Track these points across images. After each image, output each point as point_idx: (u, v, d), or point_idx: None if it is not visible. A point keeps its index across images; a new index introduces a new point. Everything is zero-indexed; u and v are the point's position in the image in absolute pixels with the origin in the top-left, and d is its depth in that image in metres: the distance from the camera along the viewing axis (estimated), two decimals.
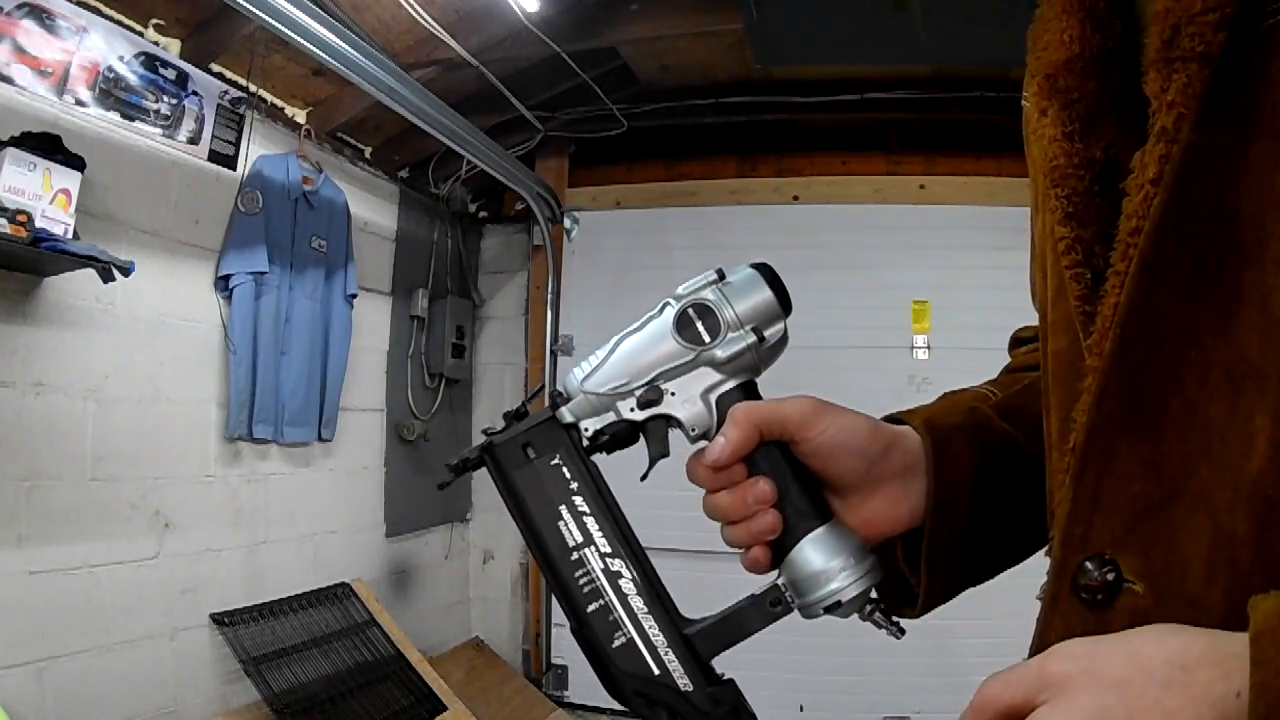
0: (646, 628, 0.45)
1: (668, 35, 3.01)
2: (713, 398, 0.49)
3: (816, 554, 0.46)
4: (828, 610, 0.46)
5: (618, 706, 0.45)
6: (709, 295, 0.50)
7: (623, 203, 3.86)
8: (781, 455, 0.48)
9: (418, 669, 2.92)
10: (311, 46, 2.18)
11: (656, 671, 0.44)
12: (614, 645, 0.45)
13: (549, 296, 3.78)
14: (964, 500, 0.52)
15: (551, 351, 3.77)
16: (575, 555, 0.47)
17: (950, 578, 0.54)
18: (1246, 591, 0.33)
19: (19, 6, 1.97)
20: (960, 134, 3.50)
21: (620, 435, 0.49)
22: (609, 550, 0.47)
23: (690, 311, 0.50)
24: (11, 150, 1.85)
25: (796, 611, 0.47)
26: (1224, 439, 0.36)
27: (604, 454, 0.50)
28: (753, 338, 0.49)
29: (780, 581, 0.47)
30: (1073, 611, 0.41)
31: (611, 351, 0.50)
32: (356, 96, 2.81)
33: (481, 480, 3.33)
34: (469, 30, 2.71)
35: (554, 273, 3.79)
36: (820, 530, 0.47)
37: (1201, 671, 0.31)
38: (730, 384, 0.49)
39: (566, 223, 3.81)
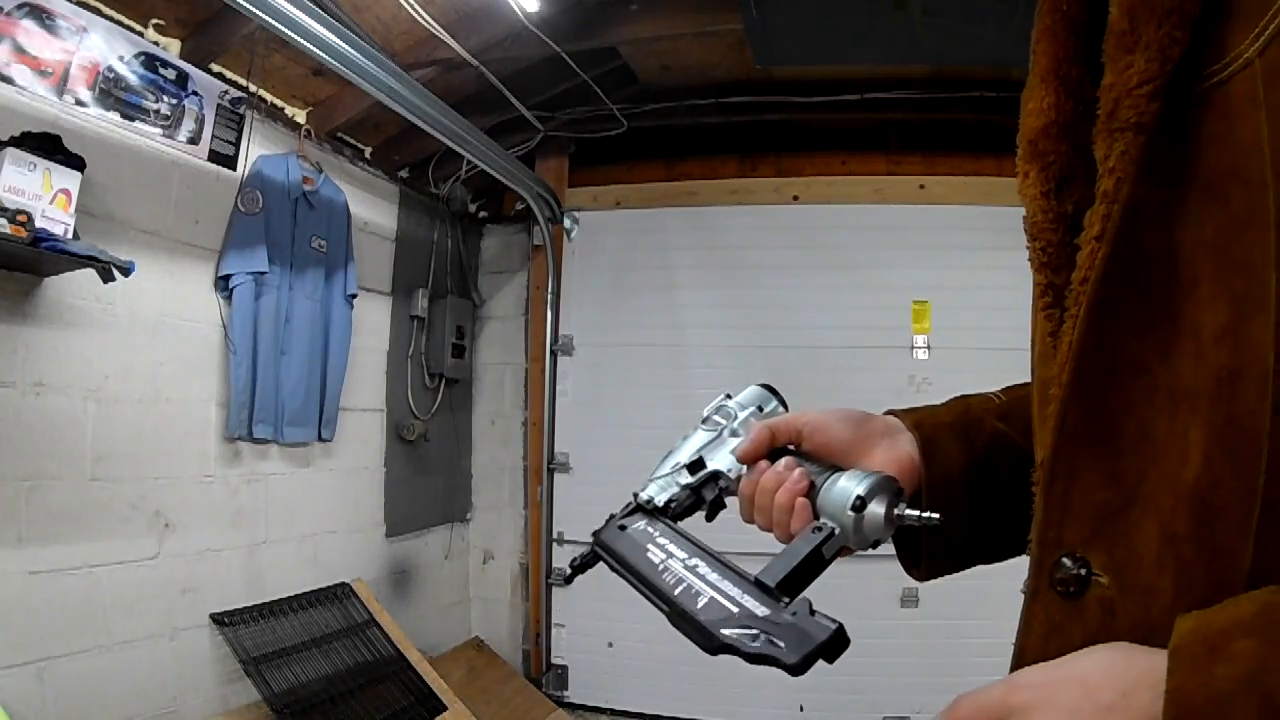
0: (722, 587, 0.54)
1: (668, 35, 3.00)
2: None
3: (835, 485, 0.58)
4: (855, 510, 0.55)
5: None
6: (721, 402, 0.71)
7: (623, 203, 3.85)
8: (794, 452, 0.64)
9: (418, 669, 2.92)
10: (311, 46, 2.18)
11: (735, 610, 0.52)
12: (699, 605, 0.53)
13: (549, 296, 3.78)
14: (957, 485, 0.61)
15: (551, 351, 3.77)
16: (661, 567, 0.58)
17: (953, 548, 0.63)
18: (1189, 580, 0.39)
19: (19, 6, 1.97)
20: (960, 134, 3.50)
21: (685, 501, 0.64)
22: (685, 555, 0.58)
23: (711, 414, 0.70)
24: (11, 150, 1.85)
25: (837, 534, 0.56)
26: (1167, 451, 0.41)
27: (677, 521, 0.65)
28: (753, 409, 0.69)
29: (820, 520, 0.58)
30: (1051, 602, 0.46)
31: (666, 457, 0.67)
32: (356, 96, 2.80)
33: (481, 480, 3.34)
34: (469, 30, 2.71)
35: (554, 273, 3.79)
36: (834, 474, 0.59)
37: (1140, 695, 0.35)
38: None
39: (566, 223, 3.81)
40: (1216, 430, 0.39)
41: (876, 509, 0.56)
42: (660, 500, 0.64)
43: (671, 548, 0.59)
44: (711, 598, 0.53)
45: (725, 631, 0.51)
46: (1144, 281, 0.42)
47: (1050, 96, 0.49)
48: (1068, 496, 0.46)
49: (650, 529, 0.62)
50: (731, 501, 0.67)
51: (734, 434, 0.67)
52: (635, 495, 0.65)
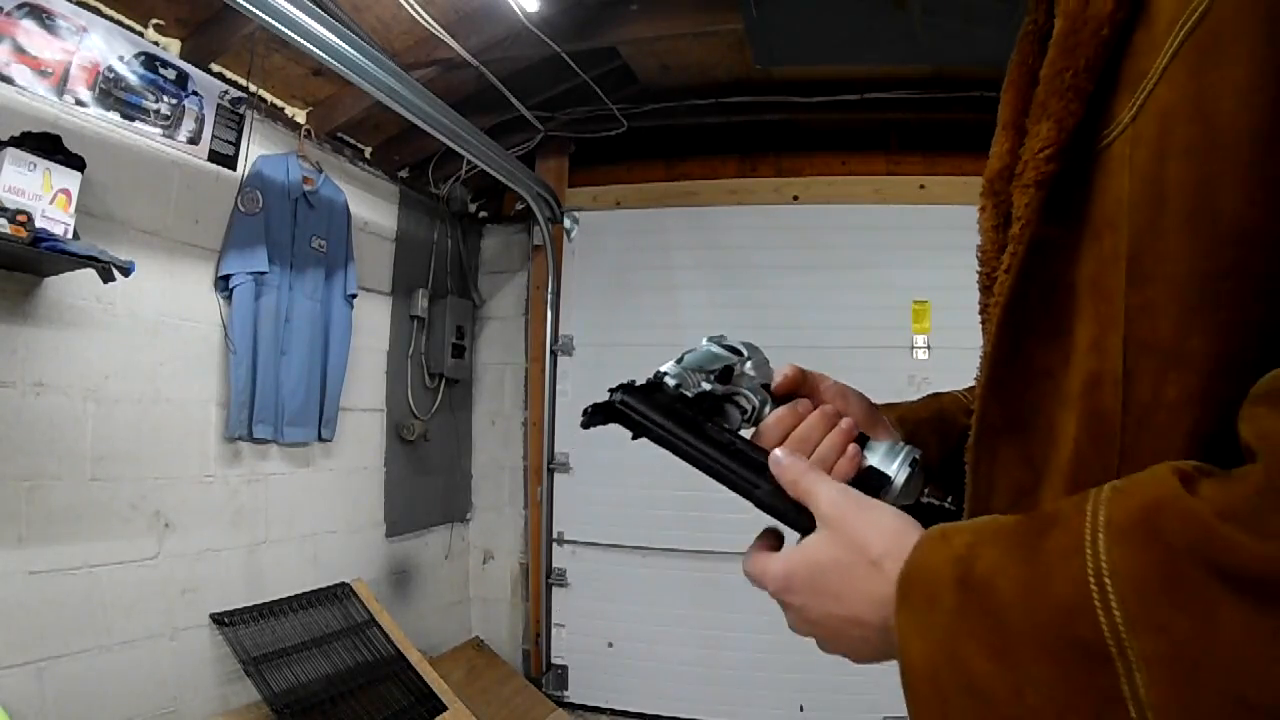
0: None
1: (668, 35, 3.00)
2: (757, 383, 0.65)
3: (883, 443, 0.63)
4: (912, 467, 0.60)
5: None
6: (724, 339, 0.67)
7: (623, 203, 3.85)
8: None
9: (418, 669, 2.92)
10: (311, 46, 2.18)
11: None
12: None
13: (549, 296, 3.78)
14: (934, 475, 0.67)
15: (551, 351, 3.78)
16: (734, 447, 0.58)
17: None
18: None
19: (19, 6, 1.97)
20: (960, 134, 3.49)
21: (704, 405, 0.61)
22: (749, 447, 0.58)
23: (718, 340, 0.67)
24: (11, 150, 1.85)
25: (891, 482, 0.60)
26: (1057, 440, 0.51)
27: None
28: (765, 358, 0.67)
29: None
30: None
31: (685, 354, 0.64)
32: (356, 96, 2.81)
33: (481, 480, 3.33)
34: (469, 30, 2.71)
35: (554, 273, 3.79)
36: (872, 440, 0.64)
37: (895, 560, 0.48)
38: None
39: (566, 223, 3.81)
40: (1084, 422, 0.48)
41: (918, 478, 0.61)
42: (690, 394, 0.60)
43: (729, 436, 0.58)
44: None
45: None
46: (1048, 304, 0.52)
47: (1007, 143, 0.58)
48: (992, 474, 0.56)
49: (690, 411, 0.59)
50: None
51: (756, 368, 0.65)
52: (660, 374, 0.61)
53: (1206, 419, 0.43)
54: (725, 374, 0.63)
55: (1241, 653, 0.35)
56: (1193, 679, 0.35)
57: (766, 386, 0.65)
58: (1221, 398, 0.43)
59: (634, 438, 0.60)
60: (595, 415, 0.59)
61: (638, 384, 0.60)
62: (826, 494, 0.54)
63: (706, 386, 0.61)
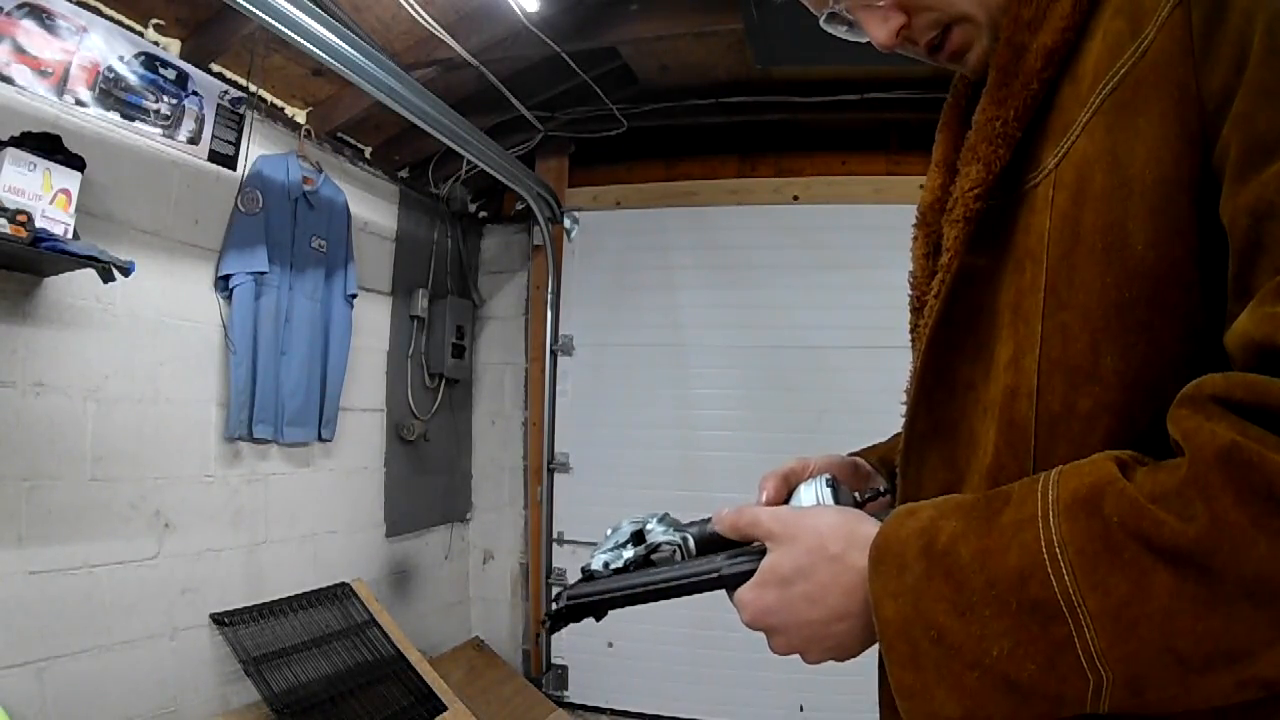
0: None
1: (668, 35, 3.00)
2: (672, 531, 0.71)
3: (802, 485, 0.68)
4: (831, 485, 0.66)
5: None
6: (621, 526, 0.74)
7: (623, 203, 3.85)
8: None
9: (418, 669, 2.92)
10: (311, 46, 2.18)
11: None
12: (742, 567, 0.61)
13: (549, 296, 3.78)
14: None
15: (551, 351, 3.77)
16: (681, 561, 0.67)
17: None
18: None
19: (19, 6, 1.97)
20: None
21: (637, 561, 0.70)
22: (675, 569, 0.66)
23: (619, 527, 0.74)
24: (11, 150, 1.85)
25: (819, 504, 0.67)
26: (979, 445, 0.56)
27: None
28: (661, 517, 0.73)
29: None
30: None
31: (598, 547, 0.72)
32: (356, 96, 2.80)
33: (481, 480, 3.33)
34: (469, 30, 2.71)
35: (554, 273, 3.79)
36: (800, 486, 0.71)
37: (855, 551, 0.53)
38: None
39: (566, 223, 3.81)
40: (1002, 429, 0.54)
41: (843, 496, 0.66)
42: (619, 565, 0.70)
43: (672, 560, 0.67)
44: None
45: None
46: (972, 326, 0.57)
47: (939, 179, 0.66)
48: (920, 476, 0.61)
49: (625, 571, 0.68)
50: None
51: (660, 520, 0.72)
52: (587, 567, 0.70)
53: (1120, 428, 0.48)
54: (638, 538, 0.71)
55: (1170, 612, 0.40)
56: (1132, 632, 0.41)
57: (688, 524, 0.71)
58: (1135, 410, 0.48)
59: (598, 619, 0.69)
60: (555, 622, 0.69)
61: (571, 584, 0.69)
62: (766, 515, 0.59)
63: (629, 554, 0.69)
